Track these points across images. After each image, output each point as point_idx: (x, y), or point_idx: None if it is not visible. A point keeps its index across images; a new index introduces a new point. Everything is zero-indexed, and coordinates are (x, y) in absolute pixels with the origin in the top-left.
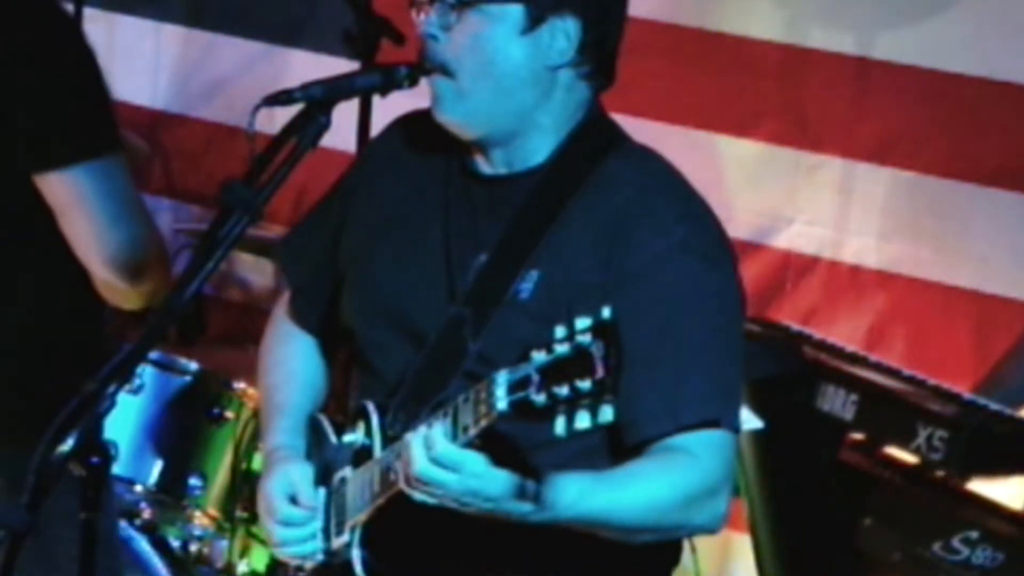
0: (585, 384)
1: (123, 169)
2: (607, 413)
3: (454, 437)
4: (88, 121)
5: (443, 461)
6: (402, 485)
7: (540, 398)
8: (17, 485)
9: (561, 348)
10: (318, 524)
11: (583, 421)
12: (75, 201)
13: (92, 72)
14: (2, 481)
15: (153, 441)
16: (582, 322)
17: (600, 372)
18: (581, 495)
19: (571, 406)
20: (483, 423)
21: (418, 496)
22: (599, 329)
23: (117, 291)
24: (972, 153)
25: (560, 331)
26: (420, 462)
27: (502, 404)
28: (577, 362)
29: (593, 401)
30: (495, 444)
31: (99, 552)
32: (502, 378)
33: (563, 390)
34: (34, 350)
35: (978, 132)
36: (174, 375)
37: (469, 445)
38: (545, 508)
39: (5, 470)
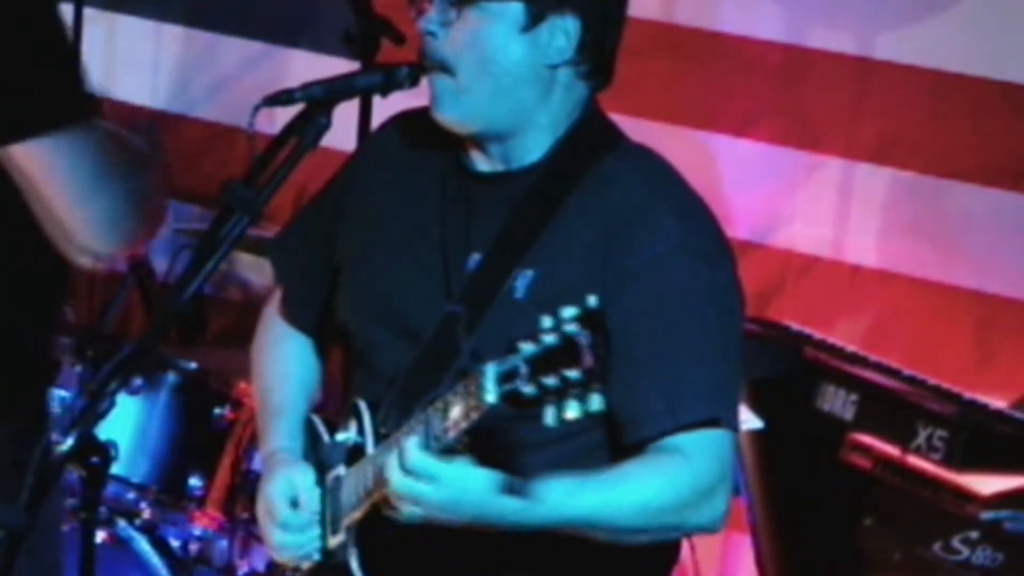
0: (573, 373)
1: (96, 136)
2: (596, 402)
3: (426, 445)
4: (55, 89)
5: (417, 472)
6: (386, 498)
7: (529, 389)
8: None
9: (548, 338)
10: (318, 529)
11: (572, 410)
12: (46, 173)
13: (58, 35)
14: None
15: (153, 441)
16: (568, 311)
17: (588, 361)
18: (567, 496)
19: (560, 396)
20: (473, 416)
21: (405, 511)
22: (586, 318)
23: (99, 257)
24: (972, 153)
25: (547, 321)
26: (396, 476)
27: (491, 397)
28: (565, 351)
29: (582, 390)
30: (484, 445)
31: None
32: (491, 371)
33: (551, 380)
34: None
35: (978, 132)
36: (174, 375)
37: (454, 444)
38: (536, 503)
39: None
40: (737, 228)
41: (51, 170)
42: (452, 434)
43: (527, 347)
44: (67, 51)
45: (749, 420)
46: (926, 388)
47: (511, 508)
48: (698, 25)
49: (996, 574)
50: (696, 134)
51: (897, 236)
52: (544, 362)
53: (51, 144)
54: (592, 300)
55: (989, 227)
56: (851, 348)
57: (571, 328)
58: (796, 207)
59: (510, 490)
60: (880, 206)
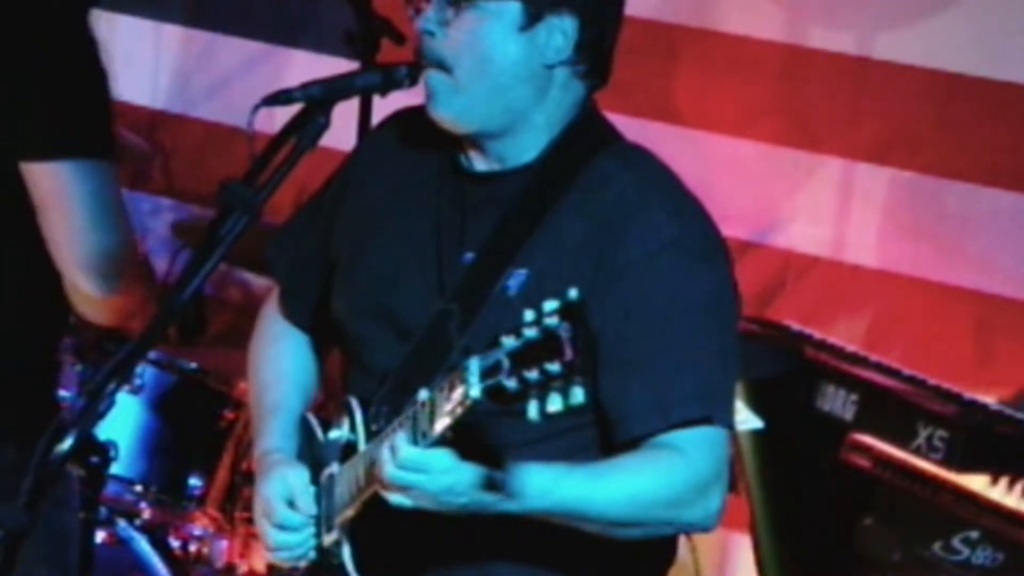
0: (554, 367)
1: (113, 177)
2: (578, 395)
3: (415, 440)
4: (85, 119)
5: (409, 466)
6: (380, 490)
7: (511, 383)
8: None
9: (530, 332)
10: (313, 527)
11: (555, 404)
12: (58, 196)
13: (96, 72)
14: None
15: (153, 441)
16: (549, 305)
17: (568, 354)
18: (553, 483)
19: (542, 389)
20: (459, 411)
21: (394, 499)
22: (566, 311)
23: (87, 299)
24: (972, 153)
25: (529, 315)
26: (388, 468)
27: (475, 391)
28: (546, 345)
29: (564, 383)
30: (467, 440)
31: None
32: (474, 365)
33: (533, 374)
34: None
35: (978, 132)
36: (174, 375)
37: (443, 439)
38: (513, 497)
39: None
40: (737, 228)
41: (64, 192)
42: (439, 429)
43: (509, 341)
44: (103, 93)
45: (749, 420)
46: (926, 388)
47: (496, 498)
48: (698, 25)
49: (996, 574)
50: (695, 134)
51: (897, 236)
52: (526, 356)
53: (69, 168)
54: (573, 292)
55: (989, 227)
56: (851, 348)
57: (551, 321)
58: (796, 207)
59: (491, 486)
60: (880, 206)
